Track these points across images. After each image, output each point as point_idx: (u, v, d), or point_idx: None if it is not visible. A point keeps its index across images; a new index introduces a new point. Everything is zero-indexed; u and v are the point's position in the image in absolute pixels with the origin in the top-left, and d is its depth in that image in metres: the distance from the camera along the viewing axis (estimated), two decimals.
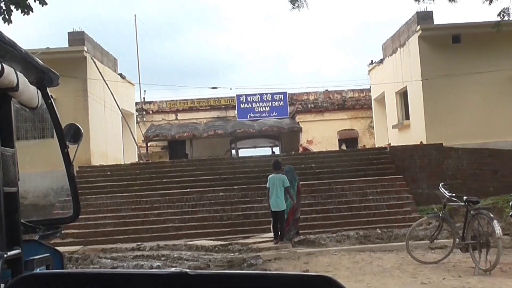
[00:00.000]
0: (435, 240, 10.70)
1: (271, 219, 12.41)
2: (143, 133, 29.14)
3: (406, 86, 21.32)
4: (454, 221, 11.27)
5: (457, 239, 9.88)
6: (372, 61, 26.17)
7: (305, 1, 12.48)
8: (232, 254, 11.84)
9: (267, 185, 12.25)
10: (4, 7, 9.16)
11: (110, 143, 21.67)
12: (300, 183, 13.20)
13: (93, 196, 16.23)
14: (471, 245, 9.36)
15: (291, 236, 12.66)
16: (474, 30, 19.38)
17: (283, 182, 12.04)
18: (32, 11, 9.30)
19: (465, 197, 9.64)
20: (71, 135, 3.72)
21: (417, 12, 19.70)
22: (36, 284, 1.42)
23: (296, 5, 12.50)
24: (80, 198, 3.84)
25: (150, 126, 31.45)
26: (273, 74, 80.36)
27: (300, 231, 13.21)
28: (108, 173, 18.10)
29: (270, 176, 12.32)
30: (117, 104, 21.90)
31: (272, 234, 12.64)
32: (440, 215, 10.31)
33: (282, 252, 11.71)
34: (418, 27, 19.57)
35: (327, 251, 11.88)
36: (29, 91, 3.32)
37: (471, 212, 9.41)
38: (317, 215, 14.70)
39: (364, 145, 27.59)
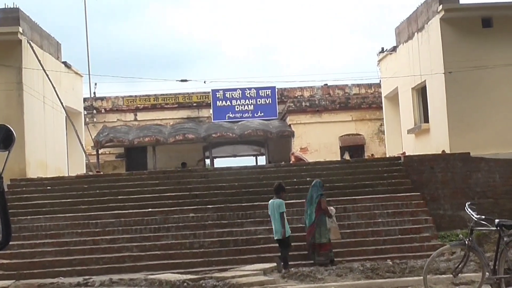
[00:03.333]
0: (459, 274, 10.72)
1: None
2: (93, 137, 28.98)
3: (425, 81, 21.49)
4: (484, 250, 11.33)
5: (487, 273, 9.93)
6: (382, 49, 26.37)
7: None
8: None
9: (269, 212, 13.84)
10: None
11: (51, 150, 21.54)
12: (322, 198, 13.91)
13: (29, 217, 16.09)
14: (505, 280, 9.42)
15: (318, 262, 13.58)
16: (510, 12, 19.61)
17: (279, 207, 13.39)
18: None
19: (497, 220, 9.69)
20: (0, 139, 3.70)
21: None
22: None
23: None
24: (11, 220, 3.82)
25: (102, 129, 31.31)
26: (258, 65, 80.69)
27: (291, 263, 13.25)
28: (48, 188, 17.97)
29: (270, 201, 13.82)
30: (60, 101, 21.79)
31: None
32: (466, 242, 10.36)
33: None
34: (440, 7, 19.77)
35: None
36: None
37: (505, 239, 9.47)
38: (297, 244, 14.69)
39: (372, 154, 27.70)
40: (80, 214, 16.25)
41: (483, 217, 10.05)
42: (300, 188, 17.00)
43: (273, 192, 14.02)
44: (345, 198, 16.39)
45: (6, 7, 19.89)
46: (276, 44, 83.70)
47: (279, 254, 13.57)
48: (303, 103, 30.87)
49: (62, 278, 13.54)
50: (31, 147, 19.44)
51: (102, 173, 22.59)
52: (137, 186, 17.93)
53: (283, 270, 13.09)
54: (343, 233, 14.83)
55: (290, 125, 30.51)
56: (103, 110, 32.83)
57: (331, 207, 14.33)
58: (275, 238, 13.63)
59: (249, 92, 32.44)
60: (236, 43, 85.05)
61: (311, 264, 13.70)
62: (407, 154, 20.39)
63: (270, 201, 13.81)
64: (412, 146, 22.77)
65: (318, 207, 13.83)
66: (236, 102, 32.43)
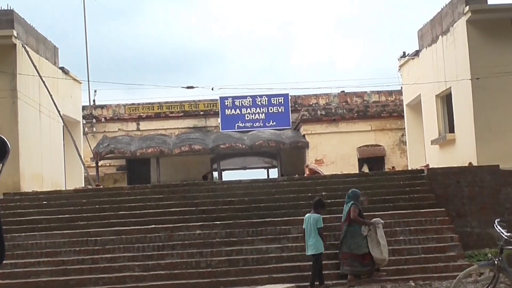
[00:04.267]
0: None
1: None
2: (92, 148, 29.08)
3: (450, 87, 21.45)
4: None
5: None
6: (404, 53, 26.33)
7: None
8: None
9: (303, 226, 14.20)
10: None
11: (47, 161, 21.61)
12: (352, 207, 14.15)
13: (23, 233, 16.11)
14: None
15: (353, 272, 13.89)
16: None
17: (317, 222, 13.81)
18: None
19: None
20: None
21: None
22: None
23: None
24: (4, 237, 3.83)
25: (102, 139, 31.42)
26: (269, 69, 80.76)
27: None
28: (44, 202, 18.01)
29: (306, 215, 14.26)
30: (58, 109, 21.89)
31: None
32: (496, 262, 10.31)
33: None
34: (467, 8, 19.75)
35: None
36: None
37: None
38: (329, 262, 14.66)
39: (393, 167, 27.62)
40: (78, 230, 16.25)
41: None
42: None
43: (312, 206, 14.41)
44: (364, 214, 16.27)
45: (0, 8, 19.98)
46: (288, 47, 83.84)
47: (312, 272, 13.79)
48: (319, 112, 30.88)
49: None
50: (25, 159, 19.51)
51: (102, 186, 22.64)
52: (139, 201, 17.93)
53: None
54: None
55: (304, 135, 30.51)
56: (103, 119, 32.97)
57: (377, 218, 14.46)
58: (307, 254, 13.93)
59: (260, 100, 32.51)
60: (245, 47, 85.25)
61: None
62: (430, 166, 20.31)
63: (306, 215, 14.22)
64: (436, 158, 22.69)
65: (348, 216, 14.10)
66: (246, 110, 32.49)
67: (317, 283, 13.65)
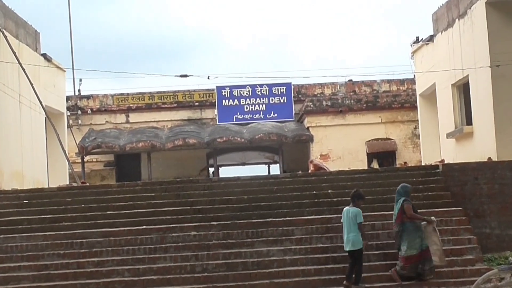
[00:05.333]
0: None
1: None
2: (77, 142, 29.07)
3: (467, 76, 21.44)
4: None
5: None
6: (417, 38, 26.27)
7: None
8: None
9: (341, 220, 14.54)
10: None
11: (28, 157, 21.61)
12: (405, 204, 14.21)
13: (1, 236, 16.06)
14: None
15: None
16: None
17: (356, 216, 14.07)
18: None
19: None
20: None
21: None
22: None
23: None
24: None
25: (88, 132, 31.42)
26: (270, 57, 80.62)
27: None
28: (25, 201, 17.97)
29: (344, 208, 14.52)
30: (39, 100, 21.88)
31: None
32: None
33: None
34: None
35: None
36: None
37: None
38: (335, 265, 14.67)
39: (405, 162, 27.64)
40: (62, 232, 16.19)
41: None
42: (320, 202, 16.95)
43: (350, 199, 14.56)
44: (373, 213, 16.23)
45: None
46: (289, 33, 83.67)
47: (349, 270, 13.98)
48: (324, 102, 30.87)
49: None
50: (4, 154, 19.51)
51: (88, 184, 22.61)
52: (129, 199, 17.90)
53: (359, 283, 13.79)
54: (370, 255, 14.82)
55: (308, 128, 30.50)
56: (89, 111, 32.94)
57: (432, 217, 14.55)
58: (345, 249, 14.16)
59: (261, 90, 32.51)
60: (243, 32, 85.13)
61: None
62: (446, 162, 20.27)
63: (345, 209, 14.46)
64: (453, 153, 22.69)
65: (401, 212, 14.19)
66: (245, 101, 32.49)
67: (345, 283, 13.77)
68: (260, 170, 35.31)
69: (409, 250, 13.94)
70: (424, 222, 14.21)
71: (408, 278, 14.00)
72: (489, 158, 19.05)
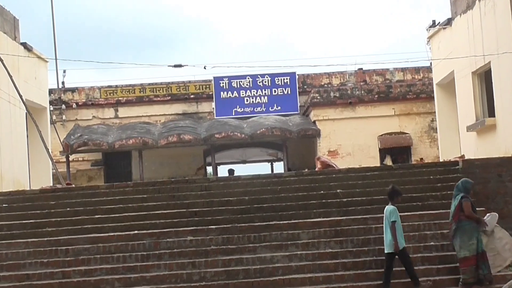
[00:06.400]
0: None
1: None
2: (62, 139, 29.04)
3: (489, 63, 21.41)
4: None
5: None
6: (434, 22, 26.24)
7: None
8: None
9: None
10: None
11: (7, 156, 21.58)
12: (464, 201, 14.20)
13: None
14: None
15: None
16: None
17: (390, 215, 14.16)
18: None
19: None
20: None
21: None
22: None
23: None
24: None
25: (73, 129, 31.41)
26: (272, 44, 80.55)
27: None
28: (4, 205, 17.96)
29: (385, 208, 14.57)
30: (19, 93, 21.84)
31: None
32: None
33: None
34: None
35: None
36: None
37: None
38: (345, 272, 14.63)
39: (421, 158, 27.64)
40: (45, 238, 16.18)
41: None
42: (328, 203, 16.93)
43: (387, 198, 14.70)
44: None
45: None
46: (292, 22, 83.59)
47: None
48: (332, 93, 30.84)
49: None
50: None
51: (73, 185, 22.60)
52: (119, 202, 17.89)
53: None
54: (384, 260, 14.76)
55: (314, 121, 30.49)
56: (74, 105, 32.91)
57: (491, 215, 14.64)
58: (385, 252, 14.22)
59: (262, 80, 32.49)
60: (242, 19, 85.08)
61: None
62: (466, 157, 20.25)
63: (385, 208, 14.51)
64: (473, 148, 22.65)
65: (458, 209, 14.16)
66: (246, 92, 32.48)
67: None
68: (262, 168, 35.52)
69: (462, 250, 13.93)
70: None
71: (467, 283, 13.88)
72: None
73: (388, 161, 28.35)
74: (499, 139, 20.86)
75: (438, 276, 14.55)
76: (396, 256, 14.03)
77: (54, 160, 25.14)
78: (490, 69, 21.46)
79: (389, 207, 14.29)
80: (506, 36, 19.98)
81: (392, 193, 14.54)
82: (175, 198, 17.93)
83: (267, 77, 32.44)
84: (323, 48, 76.06)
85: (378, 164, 27.08)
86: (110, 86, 33.51)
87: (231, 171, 27.46)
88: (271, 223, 16.27)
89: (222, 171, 33.59)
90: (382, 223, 15.73)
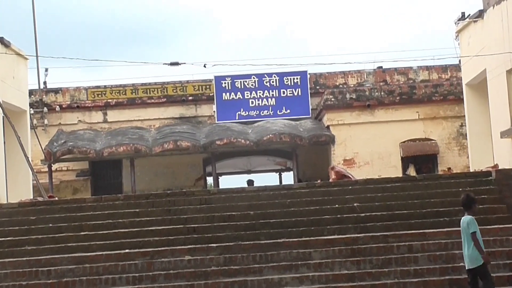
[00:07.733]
0: None
1: None
2: (43, 147, 29.05)
3: None
4: None
5: None
6: (463, 14, 26.22)
7: None
8: None
9: None
10: None
11: None
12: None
13: None
14: None
15: None
16: None
17: (468, 226, 13.91)
18: None
19: None
20: None
21: None
22: None
23: None
24: None
25: (56, 135, 31.46)
26: (280, 39, 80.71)
27: None
28: None
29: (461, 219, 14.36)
30: None
31: None
32: None
33: None
34: None
35: None
36: None
37: None
38: None
39: (449, 168, 27.59)
40: (25, 258, 16.20)
41: None
42: (344, 218, 16.88)
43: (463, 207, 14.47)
44: (410, 232, 16.29)
45: None
46: (305, 8, 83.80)
47: None
48: (347, 95, 30.89)
49: None
50: None
51: (56, 198, 22.60)
52: (108, 217, 17.92)
53: None
54: (408, 283, 14.69)
55: (328, 126, 30.53)
56: (57, 108, 33.00)
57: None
58: (467, 268, 14.01)
59: (269, 80, 32.53)
60: (247, 9, 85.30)
61: None
62: (500, 167, 20.19)
63: (461, 220, 14.31)
64: (508, 156, 22.62)
65: None
66: (251, 94, 32.53)
67: None
68: (269, 179, 35.45)
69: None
70: None
71: None
72: None
73: (412, 171, 28.36)
74: None
75: None
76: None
77: (35, 170, 25.16)
78: None
79: (465, 218, 14.09)
80: None
81: (467, 202, 14.32)
82: (171, 212, 17.97)
83: (274, 76, 32.46)
84: (338, 43, 76.14)
85: (400, 175, 27.01)
86: (98, 87, 33.61)
87: (250, 182, 27.42)
88: (279, 240, 16.27)
89: (224, 182, 33.61)
90: (404, 241, 15.78)
